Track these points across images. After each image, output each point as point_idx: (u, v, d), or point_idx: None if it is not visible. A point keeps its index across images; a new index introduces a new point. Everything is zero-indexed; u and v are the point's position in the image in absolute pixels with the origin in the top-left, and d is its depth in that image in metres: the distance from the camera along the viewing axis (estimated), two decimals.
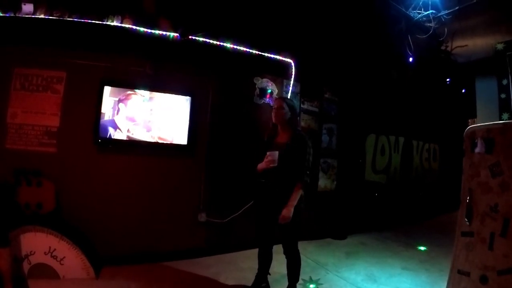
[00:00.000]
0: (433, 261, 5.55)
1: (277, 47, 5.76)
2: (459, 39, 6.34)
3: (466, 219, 2.87)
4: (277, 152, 3.68)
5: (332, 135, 6.88)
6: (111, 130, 4.62)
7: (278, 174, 3.69)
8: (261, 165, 3.79)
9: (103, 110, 4.57)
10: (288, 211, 3.54)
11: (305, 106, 6.44)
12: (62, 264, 4.03)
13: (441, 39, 6.31)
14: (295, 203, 3.59)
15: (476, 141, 2.89)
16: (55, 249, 4.00)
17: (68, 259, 4.04)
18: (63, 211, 4.35)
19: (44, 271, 3.98)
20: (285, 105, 3.85)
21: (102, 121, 4.56)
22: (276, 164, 3.66)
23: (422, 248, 6.38)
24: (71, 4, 4.50)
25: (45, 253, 3.99)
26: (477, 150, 2.87)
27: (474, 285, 2.70)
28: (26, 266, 3.94)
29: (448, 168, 10.68)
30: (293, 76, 6.07)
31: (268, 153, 3.70)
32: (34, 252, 3.96)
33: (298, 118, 4.00)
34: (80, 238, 4.21)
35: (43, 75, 4.45)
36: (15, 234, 3.83)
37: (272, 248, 3.99)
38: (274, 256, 4.04)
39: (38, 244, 3.97)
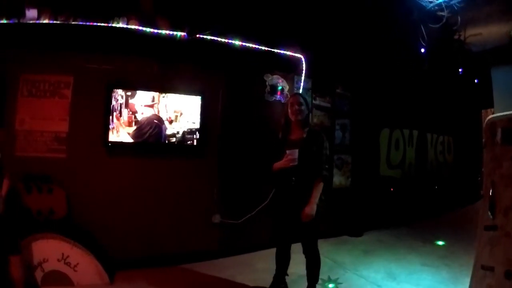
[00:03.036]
0: (452, 256, 5.45)
1: (286, 42, 5.69)
2: (473, 28, 6.21)
3: (489, 213, 2.76)
4: (297, 151, 3.58)
5: (345, 130, 6.81)
6: (120, 133, 4.59)
7: (297, 172, 3.61)
8: (279, 164, 3.68)
9: (111, 112, 4.54)
10: (311, 209, 3.48)
11: (317, 102, 6.37)
12: (76, 271, 4.00)
13: (455, 28, 6.18)
14: (317, 199, 3.54)
15: (497, 132, 2.77)
16: (68, 256, 3.97)
17: (82, 265, 4.01)
18: (74, 216, 4.32)
19: (58, 278, 3.95)
20: (303, 101, 3.80)
21: (111, 123, 4.53)
22: (296, 163, 3.58)
23: (441, 243, 6.30)
24: (76, 8, 4.48)
25: (58, 260, 3.96)
26: (498, 141, 2.76)
27: (499, 280, 2.60)
28: (39, 274, 3.91)
29: (463, 160, 10.61)
30: (304, 71, 5.99)
31: (288, 151, 3.60)
32: (47, 260, 3.92)
33: (310, 114, 3.94)
34: (92, 244, 4.19)
35: (50, 80, 4.44)
36: (27, 242, 3.81)
37: (290, 248, 3.91)
38: (291, 256, 3.95)
39: (51, 251, 3.94)
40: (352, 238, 6.47)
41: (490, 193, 2.80)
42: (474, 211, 3.23)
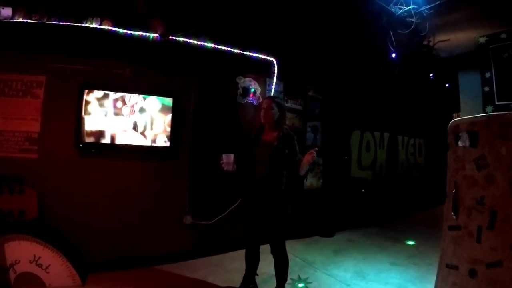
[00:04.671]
0: (421, 255, 5.59)
1: (259, 45, 5.75)
2: (442, 34, 6.37)
3: (452, 213, 2.86)
4: (232, 155, 3.69)
5: (316, 133, 6.88)
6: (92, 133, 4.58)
7: (266, 173, 3.68)
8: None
9: (83, 113, 4.51)
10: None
11: (288, 105, 6.42)
12: (48, 272, 3.98)
13: (423, 34, 6.33)
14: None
15: (460, 134, 2.88)
16: (40, 257, 3.95)
17: (54, 267, 3.99)
18: (46, 217, 4.29)
19: (30, 280, 3.92)
20: (274, 105, 3.84)
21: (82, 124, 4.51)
22: (231, 168, 3.69)
23: (410, 242, 6.44)
24: (50, 7, 4.46)
25: (30, 262, 3.93)
26: (461, 143, 2.87)
27: (463, 278, 2.69)
28: (11, 275, 3.88)
29: (434, 162, 10.80)
30: (275, 74, 6.06)
31: (223, 156, 3.69)
32: (19, 261, 3.90)
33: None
34: (64, 245, 4.14)
35: (23, 80, 4.40)
36: None
37: (259, 248, 3.96)
38: (262, 256, 4.01)
39: (23, 253, 3.91)
40: (324, 238, 6.55)
41: (453, 194, 2.91)
42: (444, 211, 3.34)
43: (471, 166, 2.74)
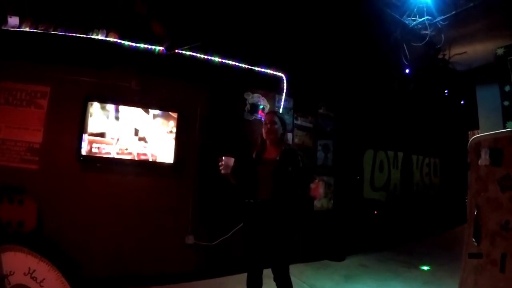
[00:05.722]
0: (438, 282, 5.32)
1: (268, 61, 5.71)
2: (458, 46, 6.25)
3: (473, 239, 2.65)
4: (232, 159, 3.55)
5: (327, 151, 6.74)
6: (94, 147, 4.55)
7: (269, 191, 3.47)
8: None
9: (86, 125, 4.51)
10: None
11: (298, 122, 6.33)
12: (42, 286, 3.90)
13: (438, 46, 6.20)
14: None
15: (481, 152, 2.68)
16: (34, 270, 3.89)
17: (48, 280, 3.91)
18: (45, 230, 4.32)
19: None
20: (277, 119, 3.67)
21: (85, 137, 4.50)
22: (229, 171, 3.53)
23: (426, 268, 6.18)
24: (56, 18, 4.51)
25: (24, 274, 3.88)
26: (483, 162, 2.67)
27: None
28: (5, 287, 3.84)
29: (450, 182, 10.62)
30: (285, 90, 6.00)
31: (223, 157, 3.53)
32: (14, 273, 3.86)
33: (291, 134, 3.80)
34: (60, 259, 4.07)
35: (28, 89, 4.46)
36: None
37: (262, 273, 3.70)
38: (265, 281, 3.75)
39: (18, 264, 3.88)
40: (334, 263, 6.31)
41: (475, 218, 2.70)
42: (461, 233, 3.15)
43: (495, 187, 2.56)
